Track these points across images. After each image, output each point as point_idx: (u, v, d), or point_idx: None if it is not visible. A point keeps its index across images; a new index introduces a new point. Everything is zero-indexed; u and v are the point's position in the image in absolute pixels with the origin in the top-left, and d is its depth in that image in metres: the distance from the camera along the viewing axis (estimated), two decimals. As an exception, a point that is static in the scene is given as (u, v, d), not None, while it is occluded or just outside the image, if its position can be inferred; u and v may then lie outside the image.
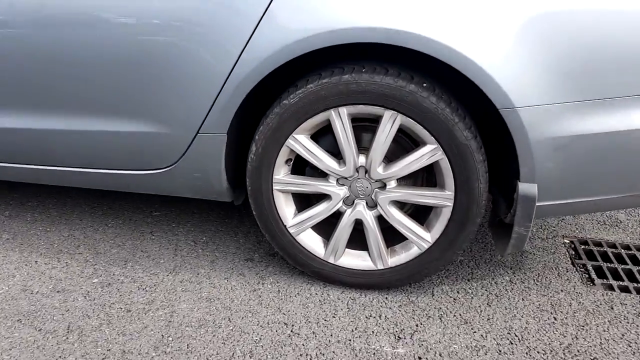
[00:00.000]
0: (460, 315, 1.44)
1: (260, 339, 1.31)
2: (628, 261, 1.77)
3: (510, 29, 1.20)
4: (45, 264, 1.59)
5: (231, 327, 1.35)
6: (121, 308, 1.41)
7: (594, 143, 1.28)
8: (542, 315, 1.45)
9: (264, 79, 1.33)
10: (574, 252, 1.81)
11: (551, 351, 1.32)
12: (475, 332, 1.38)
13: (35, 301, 1.43)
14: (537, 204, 1.36)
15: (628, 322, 1.44)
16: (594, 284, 1.63)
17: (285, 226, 1.49)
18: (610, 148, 1.29)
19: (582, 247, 1.85)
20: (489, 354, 1.30)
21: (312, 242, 1.52)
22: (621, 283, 1.65)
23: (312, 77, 1.34)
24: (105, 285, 1.50)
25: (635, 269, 1.72)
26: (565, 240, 1.87)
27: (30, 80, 1.46)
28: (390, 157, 1.44)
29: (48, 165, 1.63)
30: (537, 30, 1.20)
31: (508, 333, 1.38)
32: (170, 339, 1.30)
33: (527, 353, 1.31)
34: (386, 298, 1.50)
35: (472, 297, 1.52)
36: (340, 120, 1.34)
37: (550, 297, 1.54)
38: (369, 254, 1.50)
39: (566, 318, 1.44)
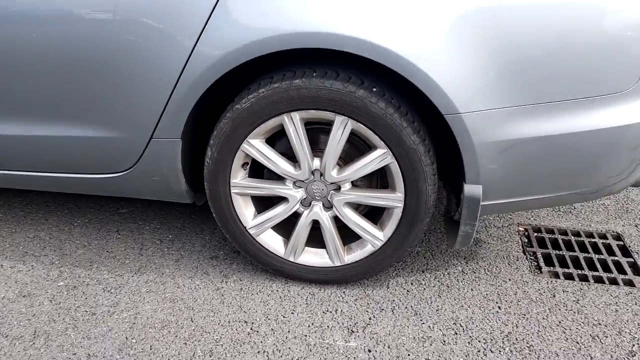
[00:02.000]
0: (411, 307, 1.53)
1: (220, 337, 1.38)
2: (576, 248, 1.88)
3: (453, 37, 1.24)
4: (11, 268, 1.63)
5: (193, 327, 1.41)
6: (86, 311, 1.46)
7: (535, 146, 1.35)
8: (488, 304, 1.55)
9: (226, 81, 1.36)
10: (526, 240, 1.90)
11: (492, 340, 1.42)
12: (423, 323, 1.47)
13: (2, 307, 1.47)
14: (483, 203, 1.43)
15: (567, 310, 1.54)
16: (541, 272, 1.73)
17: (245, 227, 1.54)
18: (550, 150, 1.36)
19: (535, 234, 1.95)
20: (433, 345, 1.39)
21: (272, 241, 1.58)
22: (566, 270, 1.75)
23: (265, 80, 1.37)
24: (70, 289, 1.55)
25: (582, 255, 1.83)
26: (520, 228, 1.97)
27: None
28: (346, 159, 1.49)
29: (11, 170, 1.65)
30: (480, 39, 1.24)
31: (454, 323, 1.47)
32: (134, 340, 1.37)
33: (469, 342, 1.40)
34: (343, 292, 1.57)
35: (424, 289, 1.61)
36: (294, 125, 1.38)
37: (498, 286, 1.63)
38: (327, 252, 1.56)
39: (509, 307, 1.54)
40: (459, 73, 1.25)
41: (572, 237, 1.94)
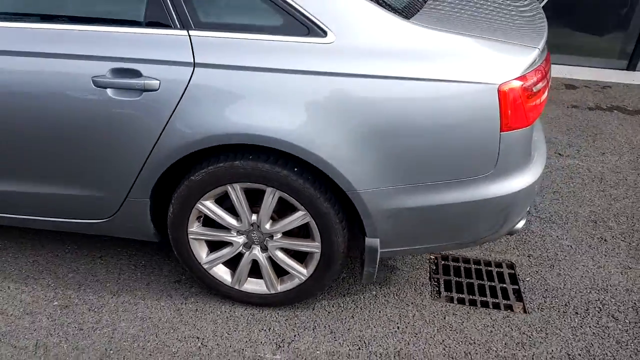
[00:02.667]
0: (329, 326, 1.96)
1: (177, 350, 1.82)
2: (473, 275, 2.31)
3: (351, 138, 1.63)
4: (16, 289, 2.05)
5: (157, 342, 1.84)
6: (75, 327, 1.88)
7: (417, 213, 1.77)
8: (390, 324, 1.99)
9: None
10: (434, 267, 2.33)
11: (386, 354, 1.86)
12: (336, 340, 1.90)
13: (10, 322, 1.89)
14: (382, 250, 1.85)
15: (451, 330, 1.98)
16: (439, 297, 2.16)
17: (200, 263, 1.96)
18: (430, 216, 1.78)
19: (443, 262, 2.38)
20: (341, 358, 1.83)
21: (222, 273, 2.01)
22: (460, 295, 2.19)
23: (213, 159, 1.77)
24: (63, 307, 1.97)
25: (476, 282, 2.27)
26: (431, 256, 2.40)
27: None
28: (280, 214, 1.90)
29: (17, 214, 2.04)
30: (370, 140, 1.63)
31: (359, 340, 1.91)
32: (112, 352, 1.80)
33: (367, 357, 1.84)
34: (277, 313, 2.00)
35: (342, 310, 2.04)
36: (235, 193, 1.79)
37: (401, 308, 2.07)
38: (264, 282, 1.99)
39: (406, 327, 1.98)
40: (356, 164, 1.66)
41: (473, 265, 2.37)
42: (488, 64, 1.61)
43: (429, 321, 2.01)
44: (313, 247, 1.86)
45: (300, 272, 1.93)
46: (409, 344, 1.91)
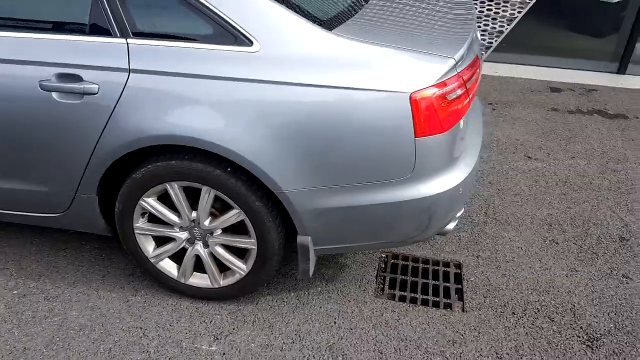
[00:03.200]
0: (269, 320, 2.05)
1: (119, 339, 1.93)
2: (419, 274, 2.37)
3: (273, 140, 1.71)
4: (-20, 278, 2.20)
5: (102, 331, 1.96)
6: (29, 315, 2.02)
7: (342, 212, 1.84)
8: (327, 319, 2.07)
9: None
10: (383, 266, 2.40)
11: (318, 348, 1.94)
12: (272, 333, 1.99)
13: (-30, 309, 2.05)
14: (316, 247, 1.93)
15: (386, 326, 2.05)
16: (382, 294, 2.23)
17: (147, 257, 2.07)
18: (354, 215, 1.85)
19: (392, 261, 2.45)
20: (273, 350, 1.92)
21: (168, 267, 2.11)
22: (402, 293, 2.25)
23: (153, 159, 1.87)
24: (21, 296, 2.11)
25: (421, 281, 2.33)
26: (382, 255, 2.46)
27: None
28: (221, 210, 2.00)
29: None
30: (291, 147, 1.71)
31: (295, 334, 1.99)
32: (58, 339, 1.92)
33: (299, 350, 1.93)
34: (222, 307, 2.10)
35: (284, 305, 2.13)
36: (174, 190, 1.89)
37: (342, 304, 2.14)
38: (209, 277, 2.09)
39: (343, 322, 2.06)
40: (280, 165, 1.74)
41: (421, 264, 2.43)
42: (401, 73, 1.68)
43: (366, 317, 2.09)
44: (249, 243, 1.95)
45: (240, 267, 2.02)
46: (342, 338, 1.98)
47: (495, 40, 4.73)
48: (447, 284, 2.31)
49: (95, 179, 1.91)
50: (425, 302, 2.20)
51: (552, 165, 3.22)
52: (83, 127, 1.82)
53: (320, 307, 2.13)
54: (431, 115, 1.70)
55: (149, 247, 2.08)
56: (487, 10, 4.72)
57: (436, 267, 2.41)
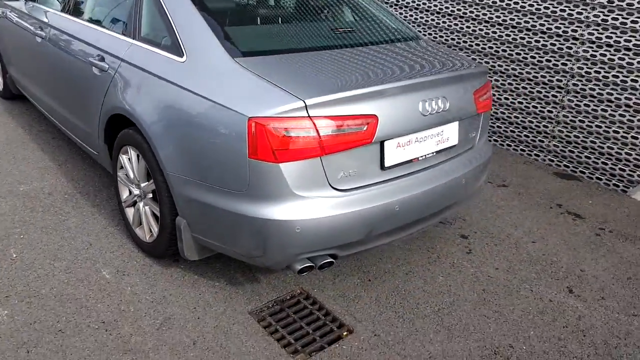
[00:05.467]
0: (163, 286, 2.42)
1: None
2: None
3: (167, 129, 2.15)
4: None
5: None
6: None
7: (200, 205, 2.11)
8: (190, 306, 2.29)
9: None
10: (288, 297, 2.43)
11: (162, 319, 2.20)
12: (149, 289, 2.35)
13: None
14: (193, 234, 2.23)
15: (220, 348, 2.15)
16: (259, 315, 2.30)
17: (119, 201, 2.75)
18: (208, 212, 2.09)
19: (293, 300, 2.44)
20: (136, 304, 2.29)
21: (129, 215, 2.73)
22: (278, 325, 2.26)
23: (126, 126, 2.53)
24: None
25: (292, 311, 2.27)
26: (297, 291, 2.48)
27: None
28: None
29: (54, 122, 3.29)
30: (174, 133, 2.12)
31: (162, 298, 2.30)
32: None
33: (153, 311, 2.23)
34: (153, 260, 2.58)
35: (185, 278, 2.45)
36: (131, 153, 2.51)
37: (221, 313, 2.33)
38: (144, 231, 2.61)
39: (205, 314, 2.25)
40: (168, 152, 2.16)
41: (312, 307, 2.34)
42: (252, 100, 1.90)
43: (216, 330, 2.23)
44: (157, 211, 2.40)
45: (153, 229, 2.48)
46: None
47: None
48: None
49: (102, 130, 2.71)
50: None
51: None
52: (99, 90, 2.64)
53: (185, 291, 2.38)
54: (263, 142, 1.84)
55: (123, 193, 2.75)
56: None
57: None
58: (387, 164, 2.08)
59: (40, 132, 4.03)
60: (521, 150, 4.48)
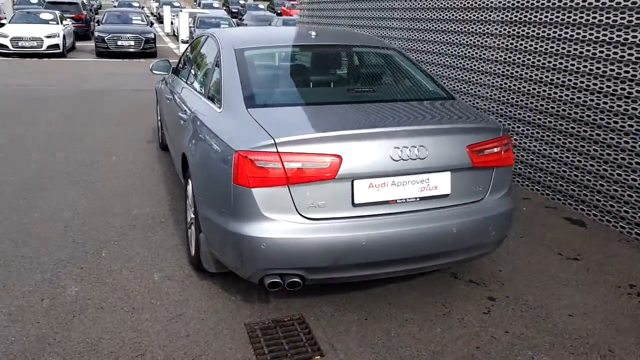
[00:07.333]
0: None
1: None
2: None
3: (197, 158, 2.71)
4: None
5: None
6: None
7: (208, 222, 2.55)
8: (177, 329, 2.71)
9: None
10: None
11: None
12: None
13: (144, 216, 3.96)
14: (210, 249, 2.69)
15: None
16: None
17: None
18: (212, 228, 2.52)
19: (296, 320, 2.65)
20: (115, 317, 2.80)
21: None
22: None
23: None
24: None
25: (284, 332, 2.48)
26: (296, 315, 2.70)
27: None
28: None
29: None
30: (198, 159, 2.65)
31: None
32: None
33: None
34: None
35: (185, 282, 2.90)
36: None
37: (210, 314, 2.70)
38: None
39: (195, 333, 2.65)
40: (198, 178, 2.71)
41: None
42: (242, 136, 2.38)
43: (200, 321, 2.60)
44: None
45: (193, 246, 3.03)
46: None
47: None
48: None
49: (179, 166, 3.44)
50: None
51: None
52: (180, 136, 3.39)
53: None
54: (242, 170, 2.28)
55: (187, 217, 3.39)
56: None
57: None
58: (357, 201, 2.30)
59: (175, 175, 5.09)
60: (621, 227, 3.98)
